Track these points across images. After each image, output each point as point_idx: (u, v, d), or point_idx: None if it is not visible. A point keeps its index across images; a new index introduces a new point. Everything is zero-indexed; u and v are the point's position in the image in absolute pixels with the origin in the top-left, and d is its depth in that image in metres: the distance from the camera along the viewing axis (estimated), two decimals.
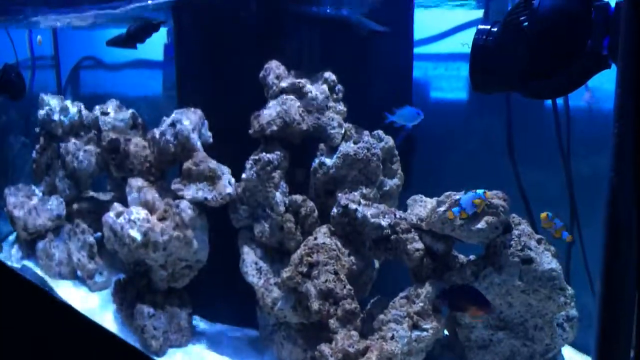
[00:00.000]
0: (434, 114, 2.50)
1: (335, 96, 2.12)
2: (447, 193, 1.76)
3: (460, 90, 2.45)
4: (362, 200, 1.92)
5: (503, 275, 1.63)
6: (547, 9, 1.23)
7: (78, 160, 2.75)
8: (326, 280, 1.82)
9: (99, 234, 2.67)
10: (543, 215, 1.79)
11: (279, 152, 2.05)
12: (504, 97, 2.16)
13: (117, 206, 2.29)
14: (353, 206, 1.89)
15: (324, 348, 1.70)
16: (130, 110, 2.71)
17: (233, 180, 2.17)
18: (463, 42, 1.66)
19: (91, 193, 2.93)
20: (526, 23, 1.25)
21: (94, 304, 2.55)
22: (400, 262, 1.85)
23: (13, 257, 2.91)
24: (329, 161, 2.02)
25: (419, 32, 2.40)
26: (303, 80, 2.11)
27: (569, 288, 1.61)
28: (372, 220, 1.85)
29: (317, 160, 2.05)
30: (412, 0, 2.22)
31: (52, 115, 2.82)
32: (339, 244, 1.91)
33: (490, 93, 1.51)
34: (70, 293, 2.64)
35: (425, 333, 1.66)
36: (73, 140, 2.80)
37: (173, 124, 2.27)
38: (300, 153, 2.11)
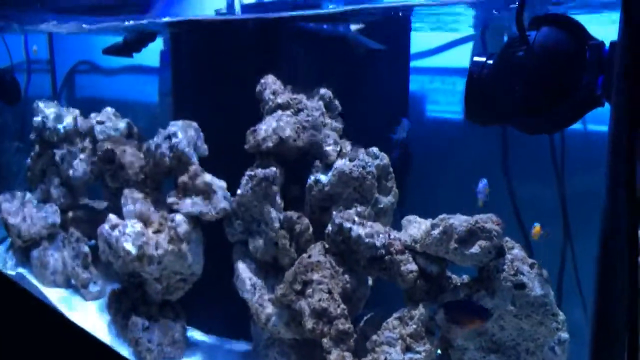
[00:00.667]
0: (430, 128, 2.51)
1: (331, 113, 2.13)
2: (442, 216, 1.77)
3: (456, 104, 2.46)
4: (356, 219, 1.92)
5: (496, 299, 1.65)
6: (542, 46, 1.24)
7: (73, 169, 2.75)
8: (320, 299, 1.82)
9: (94, 241, 2.67)
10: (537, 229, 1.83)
11: (274, 168, 2.05)
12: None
13: (113, 218, 2.28)
14: (347, 225, 1.90)
15: None
16: (126, 120, 2.71)
17: (228, 194, 2.17)
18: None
19: (86, 201, 2.93)
20: (521, 58, 1.25)
21: (88, 314, 2.55)
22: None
23: (7, 264, 2.90)
24: (324, 178, 2.03)
25: (415, 46, 2.41)
26: (299, 97, 2.11)
27: (561, 314, 1.62)
28: (367, 240, 1.86)
29: (312, 177, 2.05)
30: (410, 22, 2.22)
31: (47, 123, 2.81)
32: (333, 262, 1.92)
33: (485, 125, 1.51)
34: (64, 302, 2.64)
35: (418, 356, 1.67)
36: (68, 148, 2.80)
37: (169, 137, 2.27)
38: (295, 169, 2.11)
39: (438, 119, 2.50)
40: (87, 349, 2.31)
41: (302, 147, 2.06)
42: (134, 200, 2.32)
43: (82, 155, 2.77)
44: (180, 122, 2.30)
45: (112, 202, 2.68)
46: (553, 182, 2.19)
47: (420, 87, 2.48)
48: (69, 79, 3.63)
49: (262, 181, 2.04)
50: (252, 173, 2.06)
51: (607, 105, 1.22)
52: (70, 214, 2.83)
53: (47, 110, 2.84)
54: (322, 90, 2.12)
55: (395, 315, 1.78)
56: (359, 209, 1.99)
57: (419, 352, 1.67)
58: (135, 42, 2.60)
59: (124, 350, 2.26)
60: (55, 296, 2.69)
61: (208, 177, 2.20)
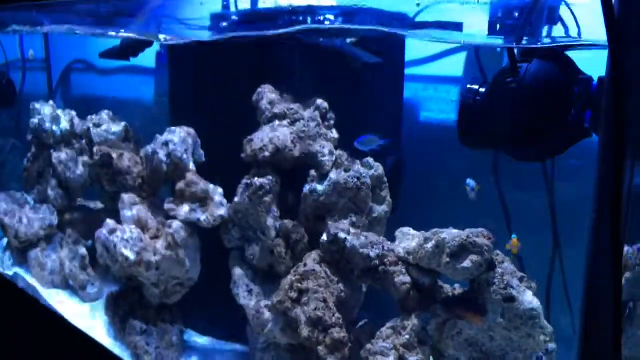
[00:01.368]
0: (423, 135, 2.56)
1: (327, 123, 2.16)
2: (434, 230, 1.82)
3: (449, 112, 2.50)
4: (351, 229, 1.97)
5: (486, 312, 1.70)
6: (532, 78, 1.28)
7: (70, 171, 2.78)
8: (316, 308, 1.87)
9: (91, 242, 2.71)
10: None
11: (270, 177, 2.09)
12: None
13: (111, 223, 2.31)
14: (342, 235, 1.94)
15: None
16: (123, 123, 2.73)
17: (225, 201, 2.21)
18: (452, 99, 1.70)
19: (83, 202, 2.96)
20: (513, 89, 1.30)
21: (86, 315, 2.59)
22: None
23: (5, 264, 2.93)
24: (319, 188, 2.07)
25: (409, 54, 2.44)
26: (296, 107, 2.15)
27: (549, 326, 1.68)
28: (361, 250, 1.91)
29: (308, 187, 2.09)
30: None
31: (43, 125, 2.83)
32: (328, 271, 1.96)
33: (477, 149, 1.56)
34: (62, 303, 2.68)
35: None
36: (65, 150, 2.82)
37: (166, 144, 2.30)
38: (291, 177, 2.15)
39: (431, 127, 2.54)
40: (86, 350, 2.35)
41: (298, 157, 2.10)
42: (131, 205, 2.35)
43: (79, 158, 2.80)
44: (177, 129, 2.33)
45: (109, 205, 2.72)
46: (543, 190, 2.24)
47: (414, 95, 2.52)
48: (64, 78, 3.64)
49: (259, 190, 2.08)
50: (249, 182, 2.10)
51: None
52: (67, 215, 2.86)
53: (44, 111, 2.86)
54: (318, 101, 2.15)
55: (388, 325, 1.83)
56: (353, 219, 2.04)
57: None
58: (132, 46, 2.62)
59: (122, 352, 2.30)
60: (53, 297, 2.72)
61: (205, 184, 2.24)
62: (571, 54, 1.33)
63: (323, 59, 2.15)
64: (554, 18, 1.74)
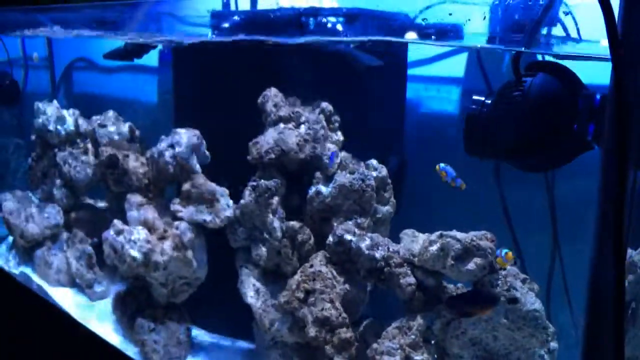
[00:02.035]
0: (425, 135, 2.59)
1: (331, 126, 2.20)
2: (439, 232, 1.86)
3: (451, 112, 2.53)
4: (357, 231, 2.01)
5: (490, 312, 1.75)
6: (537, 92, 1.31)
7: (75, 170, 2.80)
8: (322, 309, 1.92)
9: (97, 240, 2.74)
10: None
11: (276, 179, 2.13)
12: None
13: (117, 223, 2.35)
14: (348, 237, 1.98)
15: None
16: (128, 123, 2.75)
17: (231, 202, 2.24)
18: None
19: (88, 200, 2.99)
20: (517, 102, 1.33)
21: (94, 314, 2.63)
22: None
23: (10, 263, 2.97)
24: (325, 190, 2.10)
25: (411, 54, 2.47)
26: (300, 109, 2.18)
27: (551, 327, 1.73)
28: (367, 252, 1.95)
29: (313, 189, 2.12)
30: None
31: (48, 125, 2.85)
32: (334, 272, 2.01)
33: (483, 159, 1.60)
34: (69, 301, 2.72)
35: None
36: (70, 149, 2.84)
37: (172, 145, 2.33)
38: (296, 179, 2.18)
39: (433, 127, 2.57)
40: (94, 349, 2.39)
41: (304, 159, 2.13)
42: (138, 206, 2.38)
43: (84, 158, 2.82)
44: (182, 130, 2.36)
45: (115, 205, 2.74)
46: (543, 189, 2.27)
47: (415, 95, 2.55)
48: (66, 76, 3.65)
49: (265, 192, 2.11)
50: (255, 184, 2.13)
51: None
52: (72, 214, 2.89)
53: (48, 111, 2.88)
54: (323, 104, 2.18)
55: (394, 325, 1.88)
56: (358, 220, 2.08)
57: None
58: (136, 48, 2.64)
59: (130, 350, 2.35)
60: (60, 296, 2.76)
61: (211, 185, 2.27)
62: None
63: (326, 61, 2.18)
64: (554, 20, 1.78)
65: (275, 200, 2.13)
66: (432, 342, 1.85)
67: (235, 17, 2.53)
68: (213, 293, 2.39)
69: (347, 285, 2.01)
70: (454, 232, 1.83)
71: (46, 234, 2.85)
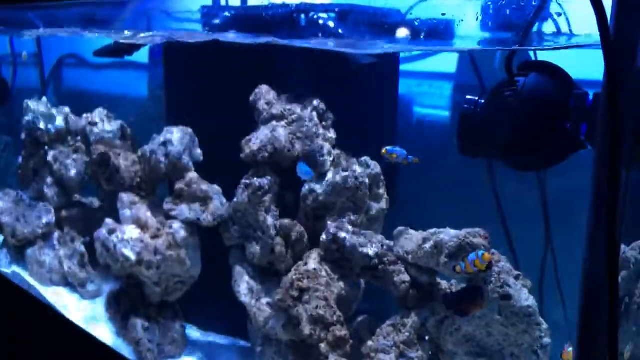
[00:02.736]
0: (417, 130, 2.59)
1: (324, 123, 2.19)
2: (432, 230, 1.86)
3: (443, 108, 2.54)
4: (350, 228, 2.01)
5: (484, 309, 1.75)
6: (529, 92, 1.32)
7: (66, 169, 2.79)
8: (317, 307, 1.92)
9: (89, 238, 2.73)
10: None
11: (269, 177, 2.12)
12: None
13: (110, 222, 2.34)
14: (342, 235, 1.98)
15: None
16: (119, 121, 2.74)
17: (225, 200, 2.24)
18: None
19: (79, 198, 2.97)
20: (510, 102, 1.34)
21: (87, 312, 2.62)
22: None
23: (2, 262, 2.95)
24: (318, 188, 2.10)
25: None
26: (293, 107, 2.17)
27: (544, 323, 1.74)
28: (361, 249, 1.95)
29: (307, 187, 2.12)
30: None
31: (38, 123, 2.83)
32: (328, 270, 2.01)
33: (476, 158, 1.60)
34: (62, 301, 2.70)
35: None
36: (60, 148, 2.83)
37: (164, 144, 2.32)
38: (289, 177, 2.18)
39: (425, 122, 2.58)
40: (88, 348, 2.38)
41: (297, 157, 2.13)
42: (130, 204, 2.37)
43: (75, 156, 2.80)
44: (175, 129, 2.35)
45: (107, 203, 2.73)
46: (535, 185, 2.28)
47: (408, 91, 2.55)
48: (56, 73, 3.62)
49: (258, 190, 2.11)
50: (248, 182, 2.13)
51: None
52: (64, 212, 2.87)
53: (38, 109, 2.85)
54: (315, 101, 2.18)
55: (388, 322, 1.89)
56: (352, 217, 2.08)
57: (412, 359, 1.78)
58: (127, 45, 2.62)
59: (124, 349, 2.34)
60: (53, 295, 2.74)
61: (204, 183, 2.27)
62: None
63: (318, 59, 2.17)
64: (545, 15, 1.78)
65: (269, 198, 2.13)
66: (427, 339, 1.86)
67: (226, 14, 2.52)
68: (207, 291, 2.39)
69: (341, 283, 2.01)
70: (448, 230, 1.84)
71: (38, 232, 2.83)
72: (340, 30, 2.14)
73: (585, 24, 1.68)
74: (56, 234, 2.86)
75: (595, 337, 1.27)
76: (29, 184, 2.98)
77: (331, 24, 2.20)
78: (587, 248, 1.24)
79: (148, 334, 2.32)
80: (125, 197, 2.39)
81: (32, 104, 2.88)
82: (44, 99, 2.93)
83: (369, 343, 1.86)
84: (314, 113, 2.17)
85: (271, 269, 2.19)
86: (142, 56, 3.12)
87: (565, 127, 1.30)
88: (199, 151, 2.37)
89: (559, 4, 1.73)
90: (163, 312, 2.39)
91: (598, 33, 1.05)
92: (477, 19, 1.63)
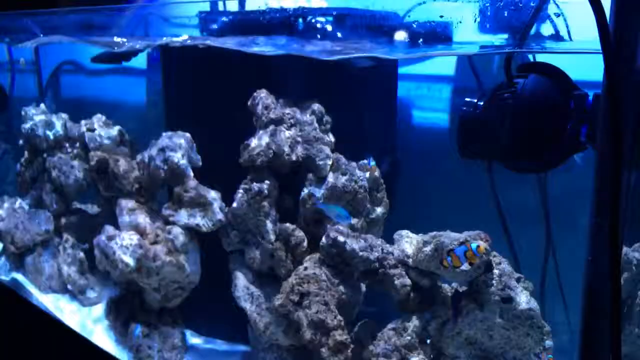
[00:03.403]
0: (417, 133, 2.59)
1: (323, 127, 2.19)
2: (433, 233, 1.85)
3: (442, 110, 2.53)
4: (350, 232, 2.00)
5: (485, 312, 1.75)
6: (529, 94, 1.31)
7: (65, 175, 2.78)
8: (317, 311, 1.91)
9: (88, 245, 2.72)
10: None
11: (268, 182, 2.12)
12: None
13: (109, 229, 2.33)
14: (342, 239, 1.97)
15: None
16: (117, 127, 2.73)
17: (224, 205, 2.23)
18: None
19: (78, 205, 2.96)
20: (510, 104, 1.33)
21: (87, 319, 2.60)
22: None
23: (1, 270, 2.94)
24: (317, 192, 2.09)
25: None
26: (292, 111, 2.16)
27: (546, 325, 1.73)
28: (361, 253, 1.94)
29: (306, 190, 2.11)
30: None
31: (36, 130, 2.82)
32: (328, 274, 2.00)
33: (476, 160, 1.60)
34: (61, 308, 2.70)
35: None
36: (59, 154, 2.82)
37: (162, 150, 2.31)
38: (289, 181, 2.17)
39: (424, 125, 2.58)
40: (88, 356, 2.37)
41: (296, 161, 2.12)
42: (129, 211, 2.37)
43: (73, 162, 2.80)
44: (173, 134, 2.34)
45: (106, 209, 2.72)
46: (536, 186, 2.28)
47: (406, 94, 2.55)
48: (54, 80, 3.62)
49: (257, 195, 2.10)
50: (247, 187, 2.12)
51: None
52: (63, 220, 2.86)
53: (36, 117, 2.85)
54: (314, 105, 2.17)
55: (389, 326, 1.88)
56: (352, 221, 2.07)
57: None
58: (125, 51, 2.62)
59: (124, 356, 2.33)
60: (52, 302, 2.74)
61: (203, 189, 2.26)
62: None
63: (317, 62, 2.17)
64: (543, 16, 1.78)
65: (268, 202, 2.12)
66: (428, 342, 1.85)
67: (224, 19, 2.52)
68: (208, 297, 2.37)
69: (341, 287, 2.00)
70: (448, 232, 1.83)
71: (37, 240, 2.82)
72: (338, 34, 2.13)
73: (584, 25, 1.68)
74: (55, 241, 2.85)
75: (598, 339, 1.27)
76: (27, 191, 2.97)
77: (329, 28, 2.19)
78: (589, 250, 1.24)
79: (148, 340, 2.31)
80: (124, 203, 2.38)
81: (30, 110, 2.88)
82: (42, 105, 2.92)
83: (370, 347, 1.85)
84: (313, 117, 2.16)
85: (271, 273, 2.18)
86: (140, 62, 3.11)
87: (565, 128, 1.29)
88: (197, 156, 2.36)
89: (557, 5, 1.73)
90: (163, 318, 2.38)
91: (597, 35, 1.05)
92: (475, 20, 1.62)
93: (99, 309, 2.61)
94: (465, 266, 1.72)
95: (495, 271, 1.76)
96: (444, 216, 2.07)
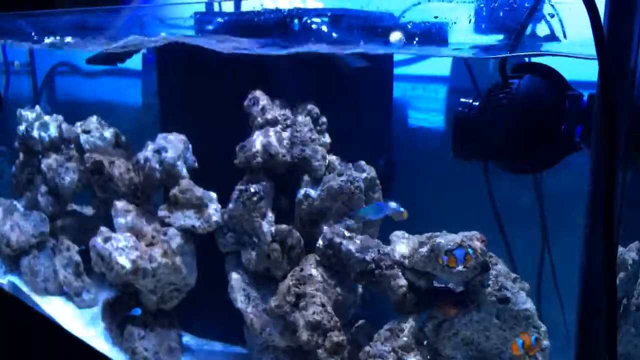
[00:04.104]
0: (412, 133, 2.59)
1: (318, 128, 2.18)
2: (429, 234, 1.85)
3: (438, 111, 2.53)
4: (346, 233, 2.00)
5: (481, 313, 1.75)
6: (524, 94, 1.32)
7: (60, 177, 2.77)
8: (314, 312, 1.91)
9: (84, 247, 2.71)
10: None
11: (264, 183, 2.11)
12: None
13: (105, 230, 2.32)
14: (338, 240, 1.98)
15: None
16: (113, 129, 2.72)
17: (219, 207, 2.22)
18: None
19: (73, 207, 2.95)
20: (504, 105, 1.33)
21: (82, 322, 2.60)
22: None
23: None
24: (313, 193, 2.09)
25: (398, 54, 2.46)
26: (287, 112, 2.16)
27: (543, 326, 1.73)
28: (357, 254, 1.94)
29: (302, 192, 2.11)
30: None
31: (31, 132, 2.82)
32: (325, 275, 2.00)
33: (471, 160, 1.60)
34: (57, 309, 2.69)
35: None
36: (54, 156, 2.81)
37: (158, 151, 2.30)
38: (284, 182, 2.17)
39: (419, 126, 2.58)
40: (84, 357, 2.37)
41: (291, 162, 2.12)
42: (125, 212, 2.36)
43: (68, 164, 2.79)
44: (168, 135, 2.34)
45: (101, 211, 2.72)
46: (531, 186, 2.28)
47: (402, 94, 2.55)
48: (48, 81, 3.61)
49: (253, 196, 2.10)
50: (243, 188, 2.12)
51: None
52: (58, 221, 2.85)
53: (31, 118, 2.85)
54: (310, 106, 2.17)
55: (386, 327, 1.87)
56: (348, 222, 2.07)
57: None
58: (119, 52, 2.61)
59: (120, 358, 2.32)
60: (48, 304, 2.73)
61: (199, 190, 2.25)
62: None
63: (312, 63, 2.17)
64: (538, 16, 1.78)
65: (264, 204, 2.11)
66: (425, 343, 1.85)
67: (220, 20, 2.51)
68: (204, 298, 2.37)
69: (338, 288, 2.00)
70: (444, 233, 1.83)
71: (32, 242, 2.82)
72: (333, 34, 2.13)
73: (579, 26, 1.69)
74: (51, 243, 2.84)
75: (593, 338, 1.27)
76: (22, 192, 2.97)
77: (324, 29, 2.19)
78: (585, 250, 1.24)
79: (144, 342, 2.30)
80: (120, 204, 2.38)
81: (25, 112, 2.87)
82: (37, 107, 2.92)
83: (366, 348, 1.85)
84: (308, 118, 2.16)
85: (267, 275, 2.17)
86: (135, 63, 3.11)
87: (560, 129, 1.29)
88: (193, 158, 2.36)
89: (552, 5, 1.73)
90: (159, 320, 2.38)
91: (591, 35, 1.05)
92: (469, 21, 1.62)
93: (95, 311, 2.61)
94: (461, 267, 1.72)
95: (492, 272, 1.76)
96: (440, 217, 2.07)
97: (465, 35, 1.85)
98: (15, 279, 2.87)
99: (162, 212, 2.29)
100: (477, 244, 1.74)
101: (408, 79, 2.55)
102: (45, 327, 2.58)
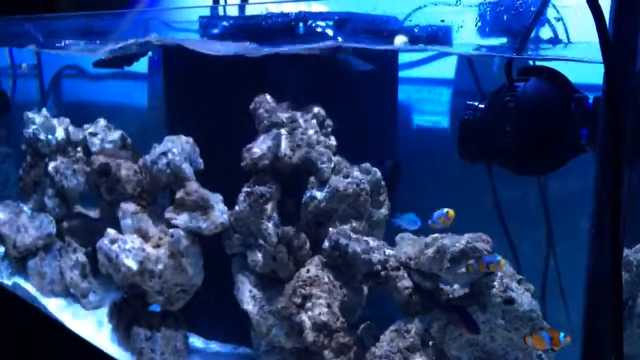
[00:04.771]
0: (417, 136, 2.60)
1: (324, 130, 2.20)
2: (434, 235, 1.87)
3: (442, 114, 2.55)
4: (352, 235, 2.01)
5: (487, 314, 1.76)
6: (529, 97, 1.33)
7: (67, 180, 2.79)
8: (320, 314, 1.92)
9: (90, 249, 2.73)
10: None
11: (270, 185, 2.13)
12: None
13: (111, 232, 2.34)
14: (344, 241, 1.99)
15: None
16: (120, 131, 2.74)
17: (226, 209, 2.24)
18: None
19: (80, 209, 2.97)
20: (510, 108, 1.35)
21: (89, 323, 2.61)
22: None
23: (3, 273, 2.95)
24: (319, 195, 2.10)
25: (402, 57, 2.48)
26: (293, 115, 2.18)
27: (548, 326, 1.74)
28: (363, 256, 1.96)
29: (308, 194, 2.12)
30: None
31: (38, 134, 2.84)
32: (331, 276, 2.01)
33: (476, 163, 1.61)
34: (64, 311, 2.70)
35: None
36: (61, 159, 2.83)
37: (165, 153, 2.32)
38: (290, 184, 2.18)
39: (425, 128, 2.59)
40: (91, 359, 2.38)
41: (297, 164, 2.13)
42: (131, 214, 2.38)
43: (75, 167, 2.81)
44: (175, 138, 2.35)
45: (108, 213, 2.73)
46: (536, 187, 2.29)
47: (407, 97, 2.56)
48: (55, 84, 3.63)
49: (259, 198, 2.11)
50: (249, 190, 2.13)
51: None
52: (65, 223, 2.87)
53: (38, 121, 2.86)
54: (315, 109, 2.18)
55: (391, 328, 1.89)
56: (354, 224, 2.08)
57: None
58: (126, 55, 2.63)
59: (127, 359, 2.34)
60: (54, 306, 2.75)
61: (205, 192, 2.26)
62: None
63: (318, 66, 2.18)
64: (542, 20, 1.79)
65: (270, 206, 2.13)
66: (430, 344, 1.86)
67: (225, 23, 2.53)
68: (210, 299, 2.38)
69: (344, 290, 2.01)
70: (450, 234, 1.84)
71: (39, 244, 2.83)
72: (339, 38, 2.15)
73: (584, 29, 1.70)
74: (57, 245, 2.86)
75: (599, 340, 1.28)
76: (29, 195, 2.99)
77: (330, 32, 2.21)
78: (590, 251, 1.25)
79: (150, 343, 2.31)
80: (126, 206, 2.39)
81: (32, 115, 2.89)
82: (44, 110, 2.94)
83: (372, 349, 1.86)
84: (314, 120, 2.17)
85: (273, 276, 2.19)
86: (141, 66, 3.13)
87: (566, 131, 1.30)
88: (199, 160, 2.37)
89: (556, 9, 1.75)
90: (166, 321, 2.39)
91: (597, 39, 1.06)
92: (476, 25, 1.64)
93: (102, 313, 2.62)
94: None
95: (497, 273, 1.77)
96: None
97: (470, 38, 1.87)
98: (21, 281, 2.89)
99: (168, 214, 2.30)
100: (483, 246, 1.75)
101: (413, 81, 2.56)
102: (51, 329, 2.60)
